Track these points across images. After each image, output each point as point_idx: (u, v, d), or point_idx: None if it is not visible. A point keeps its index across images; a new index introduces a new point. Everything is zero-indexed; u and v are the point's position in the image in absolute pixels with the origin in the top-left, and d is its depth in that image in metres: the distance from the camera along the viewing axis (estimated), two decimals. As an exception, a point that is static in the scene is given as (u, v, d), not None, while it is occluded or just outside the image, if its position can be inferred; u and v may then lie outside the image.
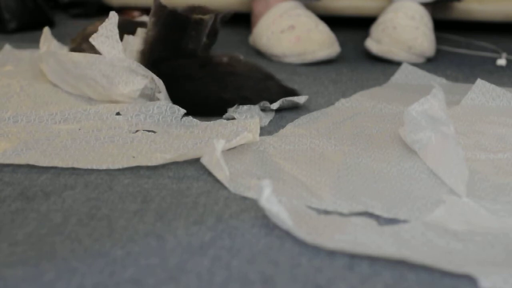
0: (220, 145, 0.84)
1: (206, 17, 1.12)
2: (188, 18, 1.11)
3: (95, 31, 1.18)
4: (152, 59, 1.09)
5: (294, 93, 1.12)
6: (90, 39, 1.07)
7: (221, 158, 0.83)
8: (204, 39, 1.12)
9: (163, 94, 1.06)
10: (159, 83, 1.06)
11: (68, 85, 1.14)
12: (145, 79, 1.07)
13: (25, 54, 1.36)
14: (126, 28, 1.12)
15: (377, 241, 0.70)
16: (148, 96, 1.08)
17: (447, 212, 0.76)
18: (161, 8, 1.11)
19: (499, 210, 0.77)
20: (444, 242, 0.71)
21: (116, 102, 1.08)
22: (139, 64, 1.07)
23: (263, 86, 1.09)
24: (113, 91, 1.08)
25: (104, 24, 1.07)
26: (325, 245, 0.69)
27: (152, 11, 1.12)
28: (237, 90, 1.06)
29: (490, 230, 0.73)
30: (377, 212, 0.77)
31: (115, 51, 1.07)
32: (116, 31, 1.07)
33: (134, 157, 0.90)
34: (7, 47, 1.39)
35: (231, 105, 1.05)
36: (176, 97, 1.07)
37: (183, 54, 1.10)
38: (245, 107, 1.05)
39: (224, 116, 1.05)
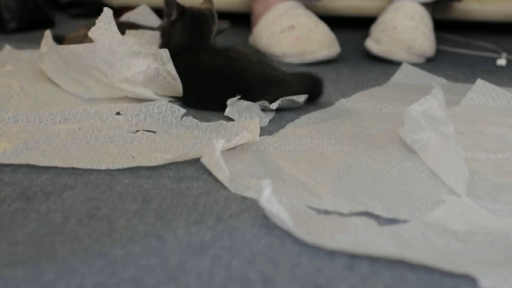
0: (220, 145, 0.84)
1: (210, 6, 1.14)
2: (205, 15, 1.13)
3: (79, 36, 1.18)
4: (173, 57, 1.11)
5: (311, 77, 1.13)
6: (89, 33, 1.08)
7: (220, 158, 0.83)
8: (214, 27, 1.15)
9: (170, 65, 1.07)
10: (164, 54, 1.07)
11: (70, 82, 1.14)
12: (147, 59, 1.07)
13: (25, 54, 1.36)
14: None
15: (377, 241, 0.70)
16: (152, 77, 1.08)
17: (447, 212, 0.76)
18: (184, 11, 1.13)
19: (499, 210, 0.77)
20: (444, 242, 0.71)
21: (119, 90, 1.08)
22: (139, 42, 1.08)
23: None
24: (116, 77, 1.08)
25: (100, 18, 1.08)
26: (325, 245, 0.69)
27: (175, 15, 1.13)
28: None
29: (490, 230, 0.73)
30: (377, 212, 0.77)
31: (116, 41, 1.07)
32: (114, 22, 1.08)
33: (134, 157, 0.90)
34: (7, 47, 1.39)
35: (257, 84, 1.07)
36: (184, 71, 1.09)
37: (202, 50, 1.13)
38: (245, 104, 1.05)
39: (226, 111, 1.04)
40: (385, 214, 0.76)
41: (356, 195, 0.81)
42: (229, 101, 1.05)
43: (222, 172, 0.83)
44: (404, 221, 0.75)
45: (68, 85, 1.15)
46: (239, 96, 1.05)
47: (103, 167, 0.87)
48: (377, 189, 0.83)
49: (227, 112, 1.04)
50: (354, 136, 0.98)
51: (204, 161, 0.87)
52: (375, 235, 0.71)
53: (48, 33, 1.22)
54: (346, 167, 0.88)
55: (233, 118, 1.04)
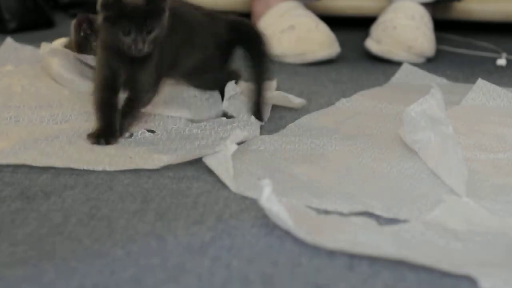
0: (232, 148, 0.84)
1: None
2: None
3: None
4: None
5: None
6: None
7: (230, 161, 0.83)
8: None
9: None
10: None
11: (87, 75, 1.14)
12: None
13: (26, 52, 1.35)
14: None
15: (377, 241, 0.70)
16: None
17: (447, 211, 0.76)
18: None
19: (499, 210, 0.77)
20: (444, 242, 0.71)
21: None
22: None
23: None
24: None
25: None
26: (325, 245, 0.69)
27: None
28: None
29: (490, 229, 0.73)
30: (377, 212, 0.77)
31: None
32: None
33: (131, 157, 0.90)
34: (9, 40, 1.38)
35: None
36: None
37: None
38: (242, 98, 1.04)
39: (223, 104, 1.03)
40: (385, 214, 0.76)
41: (356, 195, 0.81)
42: (226, 93, 1.03)
43: (227, 173, 0.83)
44: (404, 221, 0.75)
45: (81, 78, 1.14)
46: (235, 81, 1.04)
47: (99, 168, 0.87)
48: (377, 189, 0.83)
49: (224, 105, 1.03)
50: (354, 136, 0.98)
51: (207, 161, 0.86)
52: (375, 235, 0.71)
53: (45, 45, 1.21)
54: (347, 167, 0.88)
55: (231, 115, 1.03)
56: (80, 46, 1.13)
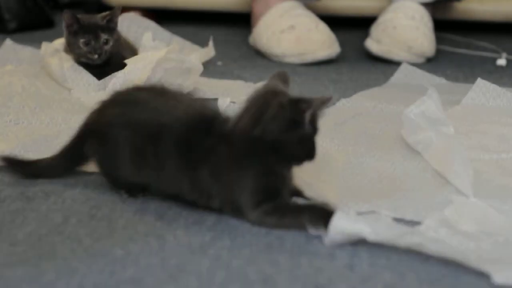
0: None
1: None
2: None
3: None
4: None
5: None
6: None
7: None
8: None
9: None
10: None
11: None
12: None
13: (26, 52, 1.35)
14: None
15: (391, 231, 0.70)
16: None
17: (456, 212, 0.75)
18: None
19: (507, 210, 0.77)
20: (457, 241, 0.70)
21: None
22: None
23: None
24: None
25: None
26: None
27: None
28: None
29: (501, 230, 0.73)
30: (384, 211, 0.76)
31: None
32: None
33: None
34: (8, 42, 1.38)
35: None
36: None
37: None
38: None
39: None
40: (392, 214, 0.76)
41: (362, 195, 0.80)
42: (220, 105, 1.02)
43: None
44: (411, 222, 0.75)
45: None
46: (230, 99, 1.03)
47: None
48: (382, 189, 0.82)
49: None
50: (356, 137, 0.98)
51: None
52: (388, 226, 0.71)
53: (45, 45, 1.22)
54: (351, 167, 0.88)
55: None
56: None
